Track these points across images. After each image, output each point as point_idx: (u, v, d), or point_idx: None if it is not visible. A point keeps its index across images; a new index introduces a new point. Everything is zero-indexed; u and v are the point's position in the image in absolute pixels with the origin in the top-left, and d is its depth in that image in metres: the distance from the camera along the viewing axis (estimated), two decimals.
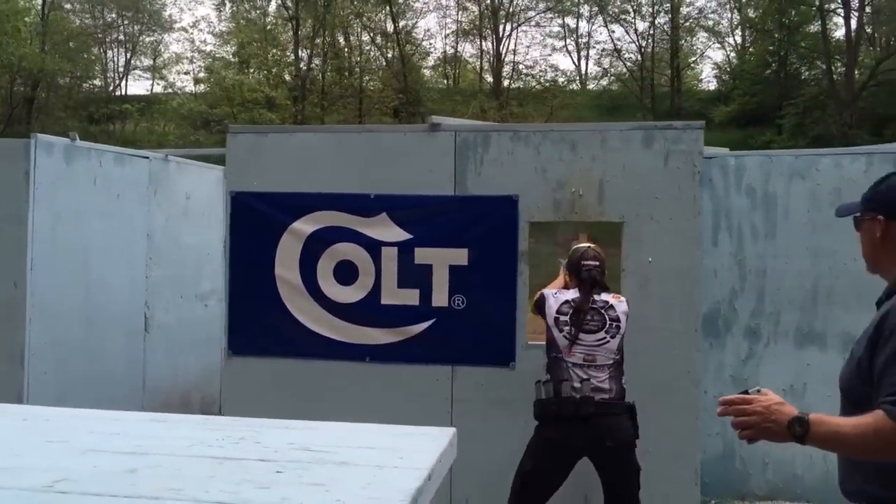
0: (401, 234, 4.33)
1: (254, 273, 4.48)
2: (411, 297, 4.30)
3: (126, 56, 34.52)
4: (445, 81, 32.41)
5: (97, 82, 31.66)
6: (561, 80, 30.82)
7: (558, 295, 3.67)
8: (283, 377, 4.39)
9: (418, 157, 4.32)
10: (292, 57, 26.83)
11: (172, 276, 6.33)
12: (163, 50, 34.74)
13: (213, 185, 7.04)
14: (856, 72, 24.78)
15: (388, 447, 1.08)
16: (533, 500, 3.48)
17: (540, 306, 3.68)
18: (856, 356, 1.88)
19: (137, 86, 35.80)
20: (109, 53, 33.83)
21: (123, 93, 33.56)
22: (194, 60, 31.28)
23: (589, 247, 3.76)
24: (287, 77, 26.01)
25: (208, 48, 31.69)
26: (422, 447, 1.07)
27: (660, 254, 4.05)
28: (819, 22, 26.15)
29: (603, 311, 3.55)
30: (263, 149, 4.50)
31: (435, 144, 4.31)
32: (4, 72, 22.85)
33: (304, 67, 25.92)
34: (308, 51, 26.27)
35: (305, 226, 4.42)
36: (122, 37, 33.41)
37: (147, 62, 35.16)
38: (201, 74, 29.77)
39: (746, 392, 1.87)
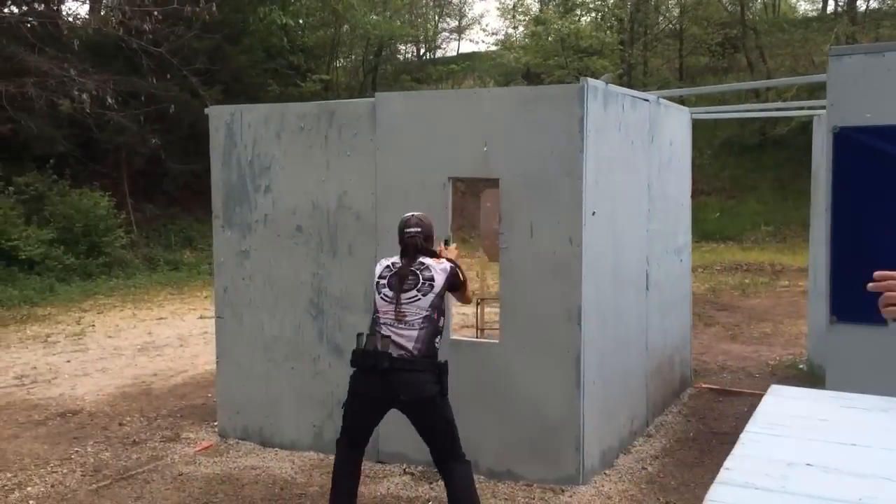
0: None
1: (866, 225, 3.69)
2: None
3: (434, 21, 36.00)
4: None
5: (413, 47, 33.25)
6: None
7: (383, 261, 3.95)
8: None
9: None
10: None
11: (660, 229, 5.83)
12: (467, 10, 35.68)
13: (685, 129, 6.41)
14: None
15: None
16: (352, 435, 3.86)
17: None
18: None
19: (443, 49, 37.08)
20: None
21: (432, 55, 35.14)
22: (508, 16, 31.56)
23: (412, 215, 3.94)
24: (617, 21, 24.91)
25: (510, 3, 31.93)
26: None
27: None
28: None
29: (418, 271, 3.77)
30: (879, 72, 3.64)
31: None
32: (360, 40, 24.73)
33: (634, 9, 24.56)
34: None
35: None
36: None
37: (453, 23, 36.49)
38: (519, 29, 29.96)
39: None
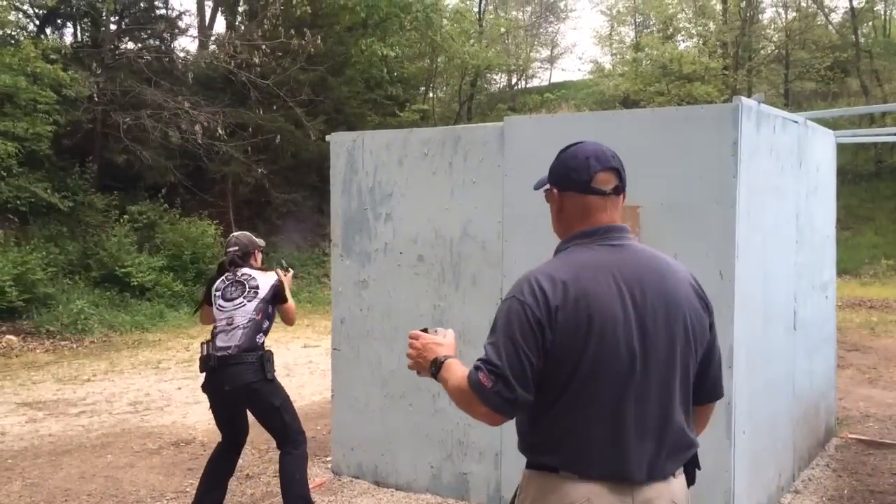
0: None
1: None
2: None
3: (526, 51, 35.91)
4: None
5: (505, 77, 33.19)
6: None
7: (223, 276, 4.39)
8: None
9: None
10: (721, 24, 24.80)
11: (807, 262, 5.32)
12: (559, 40, 35.51)
13: (831, 154, 5.90)
14: None
15: None
16: (221, 433, 4.40)
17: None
18: None
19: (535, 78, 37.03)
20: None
21: (525, 85, 34.99)
22: (604, 44, 31.18)
23: (233, 235, 4.59)
24: (720, 46, 24.12)
25: (606, 32, 31.46)
26: None
27: None
28: None
29: (245, 281, 4.29)
30: None
31: None
32: (456, 70, 24.84)
33: (739, 32, 23.73)
34: (742, 15, 23.99)
35: None
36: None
37: (545, 53, 36.30)
38: (616, 56, 29.49)
39: (426, 330, 2.20)
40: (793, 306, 5.02)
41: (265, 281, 4.32)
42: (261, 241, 4.62)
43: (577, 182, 1.96)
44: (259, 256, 4.56)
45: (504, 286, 4.37)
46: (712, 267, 4.02)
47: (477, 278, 4.72)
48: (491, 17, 29.38)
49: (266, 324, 4.29)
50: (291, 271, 4.73)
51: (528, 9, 34.30)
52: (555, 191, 2.02)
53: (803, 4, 26.38)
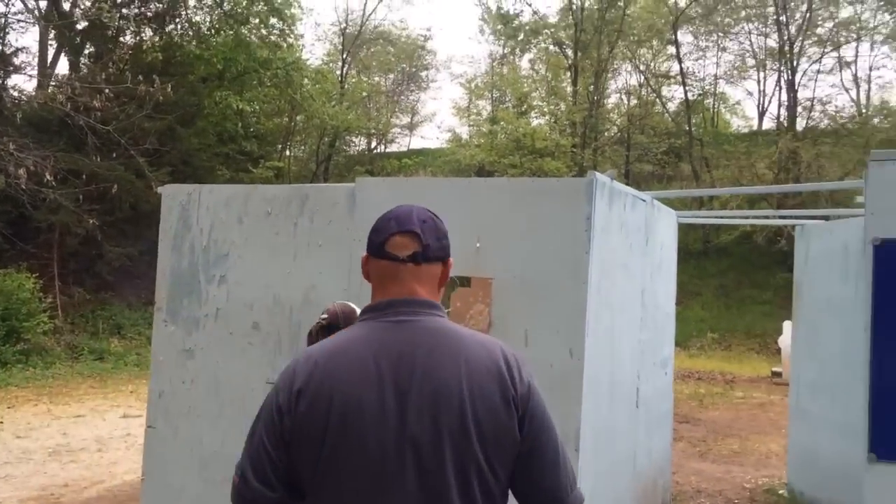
0: None
1: None
2: None
3: (387, 116, 36.52)
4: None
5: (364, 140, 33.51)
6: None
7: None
8: None
9: None
10: (571, 104, 26.27)
11: (650, 339, 5.38)
12: (420, 108, 36.54)
13: (673, 232, 6.09)
14: None
15: None
16: None
17: None
18: None
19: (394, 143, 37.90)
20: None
21: (384, 149, 35.46)
22: (461, 115, 32.18)
23: (332, 303, 3.82)
24: (569, 125, 25.46)
25: (464, 104, 32.62)
26: None
27: None
28: None
29: None
30: None
31: None
32: (314, 130, 24.55)
33: (587, 114, 25.19)
34: (590, 98, 25.56)
35: None
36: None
37: (405, 120, 37.14)
38: (472, 128, 30.46)
39: None
40: (636, 384, 5.01)
41: None
42: (357, 309, 4.12)
43: (373, 245, 1.74)
44: None
45: None
46: (562, 345, 3.89)
47: None
48: (353, 80, 29.54)
49: None
50: None
51: (391, 76, 34.91)
52: (364, 254, 1.78)
53: (643, 93, 28.52)
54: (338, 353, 1.62)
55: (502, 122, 23.93)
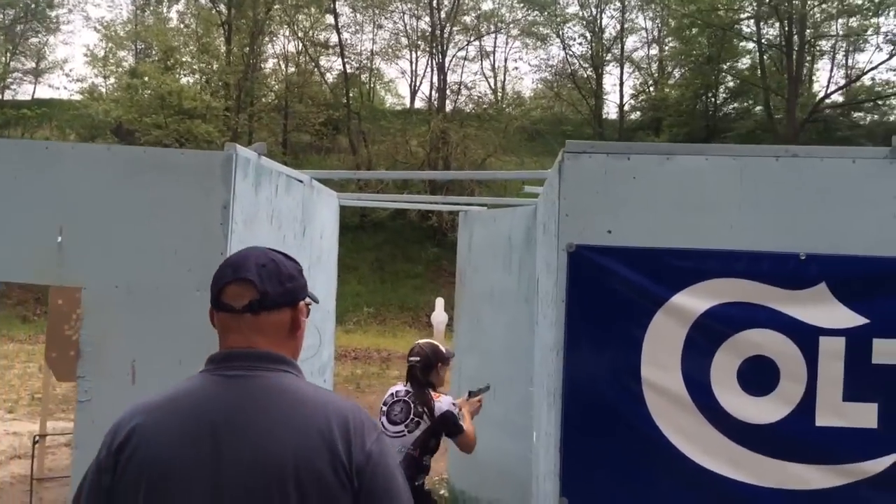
0: (850, 318, 2.85)
1: (603, 372, 2.87)
2: (865, 415, 2.83)
3: (5, 57, 30.94)
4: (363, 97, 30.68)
5: None
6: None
7: (393, 389, 3.93)
8: None
9: (877, 196, 2.85)
10: (225, 65, 24.39)
11: (310, 346, 4.52)
12: (48, 52, 31.71)
13: (335, 218, 5.29)
14: (797, 109, 25.21)
15: None
16: None
17: None
18: None
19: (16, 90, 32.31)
20: None
21: (1, 97, 30.18)
22: (98, 64, 28.19)
23: (418, 343, 4.01)
24: (222, 86, 23.56)
25: (101, 52, 28.87)
26: None
27: None
28: (755, 56, 26.61)
29: (413, 404, 3.76)
30: (621, 179, 2.89)
31: None
32: None
33: (241, 76, 23.54)
34: (246, 60, 23.94)
35: (693, 301, 2.85)
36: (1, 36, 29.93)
37: (29, 64, 31.92)
38: (110, 80, 26.82)
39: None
40: None
41: (436, 406, 3.75)
42: (448, 352, 3.98)
43: (212, 295, 1.63)
44: (444, 371, 3.97)
45: None
46: (187, 375, 2.80)
47: None
48: None
49: (426, 459, 3.72)
50: (485, 393, 4.24)
51: (11, 11, 29.24)
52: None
53: (301, 61, 27.67)
54: (163, 408, 1.53)
55: (146, 77, 21.18)
